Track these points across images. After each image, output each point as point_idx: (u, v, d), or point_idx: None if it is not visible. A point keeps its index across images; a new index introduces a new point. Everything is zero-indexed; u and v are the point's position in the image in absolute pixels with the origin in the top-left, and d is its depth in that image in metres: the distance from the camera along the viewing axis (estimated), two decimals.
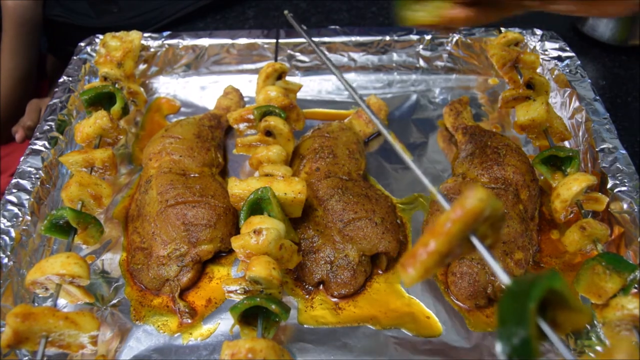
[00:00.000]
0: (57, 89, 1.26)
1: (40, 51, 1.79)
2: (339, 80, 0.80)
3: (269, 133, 1.08)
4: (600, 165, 1.04)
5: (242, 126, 1.15)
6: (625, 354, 0.44)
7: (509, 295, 0.49)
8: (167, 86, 1.42)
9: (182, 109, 1.37)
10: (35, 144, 1.11)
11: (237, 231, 1.00)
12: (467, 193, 0.51)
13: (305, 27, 0.78)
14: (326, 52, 1.41)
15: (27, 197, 1.01)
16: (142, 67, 1.41)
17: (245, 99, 1.36)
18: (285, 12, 0.78)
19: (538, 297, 0.47)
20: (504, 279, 0.53)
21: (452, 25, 0.77)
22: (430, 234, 0.53)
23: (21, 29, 1.63)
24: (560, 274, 0.49)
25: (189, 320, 0.93)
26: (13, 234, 0.95)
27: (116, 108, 1.13)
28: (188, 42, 1.40)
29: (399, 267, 0.55)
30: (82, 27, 1.73)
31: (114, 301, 0.96)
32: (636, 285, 0.81)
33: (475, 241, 0.54)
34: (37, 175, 1.05)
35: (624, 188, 0.98)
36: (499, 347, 0.47)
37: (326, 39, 1.39)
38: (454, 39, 1.38)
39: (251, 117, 1.12)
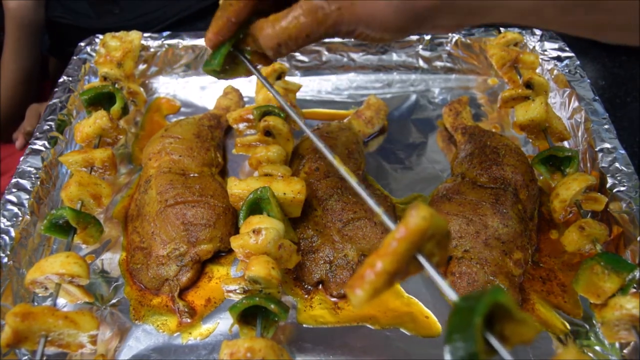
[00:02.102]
0: (56, 89, 1.26)
1: (42, 52, 1.79)
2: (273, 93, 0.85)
3: (268, 133, 1.09)
4: (599, 165, 1.04)
5: (241, 126, 1.15)
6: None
7: (456, 311, 0.50)
8: (166, 86, 1.43)
9: (182, 109, 1.37)
10: (35, 143, 1.11)
11: (236, 231, 1.01)
12: (411, 212, 0.52)
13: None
14: (326, 52, 1.41)
15: (27, 196, 1.01)
16: (141, 67, 1.41)
17: (245, 99, 1.36)
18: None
19: (483, 311, 0.48)
20: (452, 295, 0.54)
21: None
22: (376, 254, 0.53)
23: (23, 30, 1.64)
24: (504, 290, 0.50)
25: (188, 320, 0.93)
26: (13, 234, 0.95)
27: (116, 108, 1.13)
28: (188, 42, 1.40)
29: (346, 290, 0.56)
30: (83, 28, 1.74)
31: (114, 301, 0.96)
32: (635, 285, 0.81)
33: (422, 260, 0.54)
34: (37, 175, 1.05)
35: (623, 188, 0.98)
36: None
37: (325, 39, 1.39)
38: (454, 39, 1.38)
39: (250, 117, 1.12)
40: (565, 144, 1.17)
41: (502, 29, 1.35)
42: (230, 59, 0.83)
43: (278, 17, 0.73)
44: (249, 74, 0.86)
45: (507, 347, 0.50)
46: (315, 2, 0.68)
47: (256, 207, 0.92)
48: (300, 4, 0.70)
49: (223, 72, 0.84)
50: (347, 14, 0.68)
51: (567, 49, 1.32)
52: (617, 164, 1.03)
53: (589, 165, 1.09)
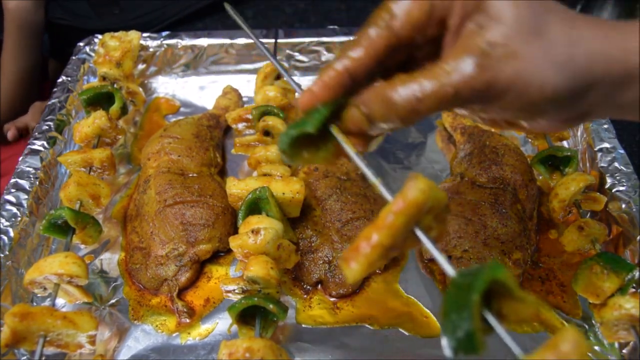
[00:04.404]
0: (55, 89, 1.26)
1: (42, 53, 1.79)
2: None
3: (267, 133, 1.09)
4: (598, 165, 1.04)
5: (240, 126, 1.15)
6: (571, 344, 0.42)
7: (453, 288, 0.48)
8: (165, 86, 1.42)
9: (181, 109, 1.37)
10: (34, 143, 1.11)
11: (235, 231, 1.00)
12: (409, 184, 0.49)
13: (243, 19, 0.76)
14: (325, 52, 1.41)
15: (26, 197, 1.01)
16: (140, 67, 1.41)
17: (244, 99, 1.36)
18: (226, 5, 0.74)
19: (481, 288, 0.46)
20: (450, 271, 0.51)
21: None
22: (372, 227, 0.51)
23: (23, 32, 1.63)
24: (503, 266, 0.47)
25: (187, 320, 0.93)
26: (12, 234, 0.95)
27: (115, 108, 1.13)
28: (187, 42, 1.40)
29: (340, 263, 0.52)
30: (83, 29, 1.73)
31: (113, 301, 0.96)
32: (634, 285, 0.81)
33: (420, 233, 0.52)
34: (36, 175, 1.05)
35: (622, 188, 0.98)
36: (443, 342, 0.45)
37: (325, 39, 1.39)
38: None
39: (250, 117, 1.12)
40: (565, 143, 1.17)
41: None
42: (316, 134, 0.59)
43: (412, 75, 0.54)
44: (333, 158, 0.61)
45: (505, 326, 0.47)
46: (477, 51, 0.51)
47: (255, 207, 0.92)
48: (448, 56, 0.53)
49: (297, 154, 0.60)
50: (503, 72, 0.51)
51: None
52: (616, 164, 1.03)
53: (588, 164, 1.09)
